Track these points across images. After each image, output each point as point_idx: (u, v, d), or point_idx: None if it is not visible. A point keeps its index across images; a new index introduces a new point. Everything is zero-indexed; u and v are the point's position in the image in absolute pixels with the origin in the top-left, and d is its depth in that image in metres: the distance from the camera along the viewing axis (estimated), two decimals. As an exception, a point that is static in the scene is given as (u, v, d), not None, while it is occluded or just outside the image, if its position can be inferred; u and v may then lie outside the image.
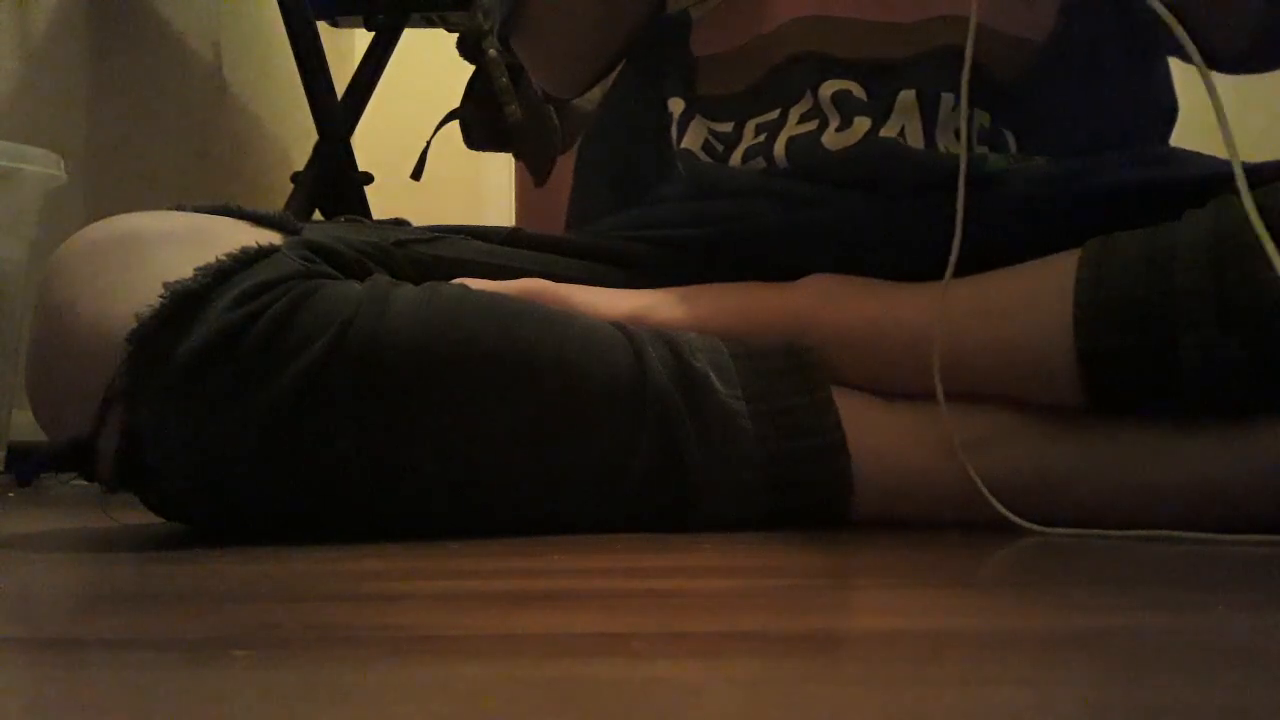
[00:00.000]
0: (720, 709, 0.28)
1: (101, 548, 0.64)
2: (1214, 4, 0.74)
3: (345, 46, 2.10)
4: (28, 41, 1.43)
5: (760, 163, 0.79)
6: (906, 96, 0.76)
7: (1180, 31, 0.52)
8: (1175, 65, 0.86)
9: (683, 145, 0.82)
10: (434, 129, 1.14)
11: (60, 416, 0.64)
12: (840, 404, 0.68)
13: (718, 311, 0.72)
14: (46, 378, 0.64)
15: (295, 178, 1.69)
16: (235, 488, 0.63)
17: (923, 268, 0.68)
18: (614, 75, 0.93)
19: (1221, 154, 0.75)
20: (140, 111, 1.66)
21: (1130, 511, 0.65)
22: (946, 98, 0.75)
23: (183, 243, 0.64)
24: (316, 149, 1.68)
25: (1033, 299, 0.68)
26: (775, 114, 0.79)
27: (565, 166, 1.03)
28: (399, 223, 0.76)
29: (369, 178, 1.73)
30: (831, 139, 0.76)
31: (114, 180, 1.57)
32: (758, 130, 0.79)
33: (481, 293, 0.67)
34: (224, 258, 0.63)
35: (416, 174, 1.15)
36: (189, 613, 0.43)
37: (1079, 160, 0.75)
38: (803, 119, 0.78)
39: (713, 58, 0.83)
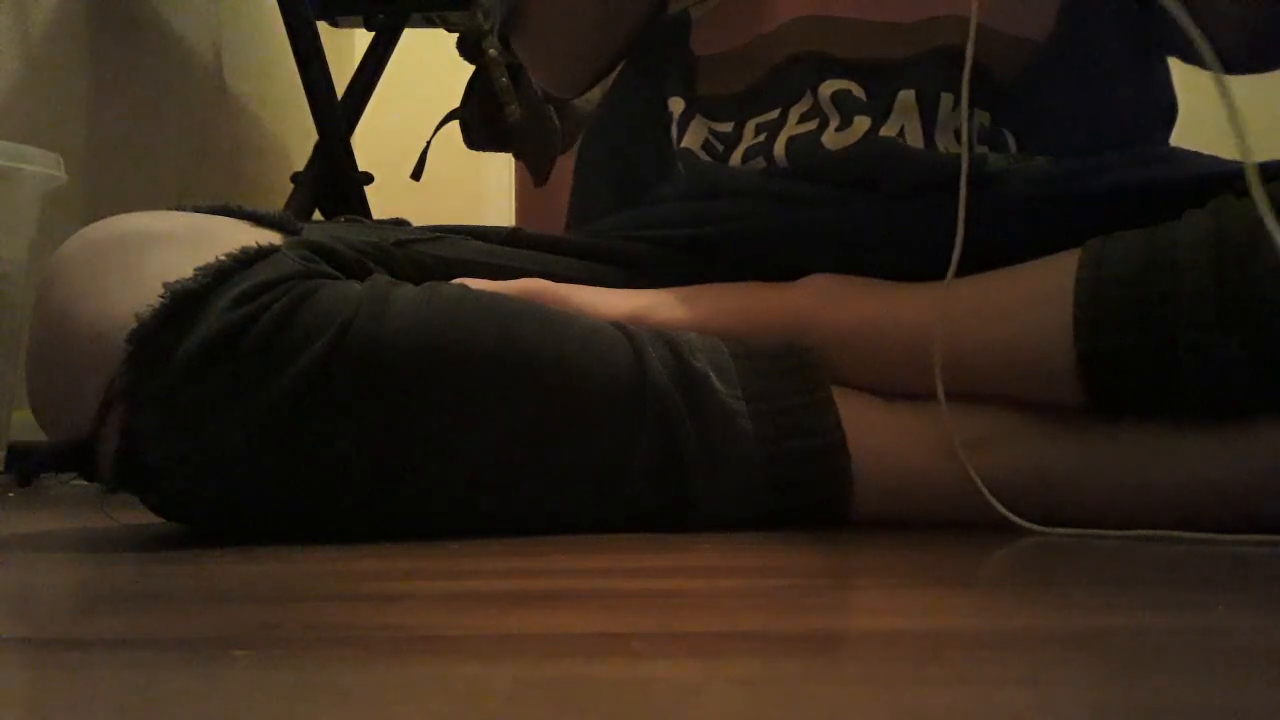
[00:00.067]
0: (720, 709, 0.28)
1: (101, 548, 0.64)
2: (1217, 5, 0.74)
3: (345, 46, 2.10)
4: (28, 41, 1.43)
5: (760, 162, 0.79)
6: (906, 96, 0.76)
7: (1197, 34, 0.52)
8: (1175, 65, 0.86)
9: (683, 145, 0.82)
10: (434, 129, 1.14)
11: (60, 416, 0.64)
12: (840, 404, 0.68)
13: (718, 311, 0.72)
14: (46, 378, 0.64)
15: (295, 178, 1.69)
16: (235, 488, 0.63)
17: (923, 268, 0.68)
18: (614, 75, 0.93)
19: (1221, 154, 0.75)
20: (140, 111, 1.66)
21: (1130, 511, 0.65)
22: (946, 97, 0.76)
23: (183, 243, 0.64)
24: (316, 149, 1.68)
25: (1033, 299, 0.68)
26: (775, 114, 0.79)
27: (565, 166, 1.03)
28: (399, 223, 0.76)
29: (369, 178, 1.73)
30: (831, 139, 0.76)
31: (114, 180, 1.57)
32: (758, 130, 0.80)
33: (481, 293, 0.67)
34: (224, 258, 0.63)
35: (416, 174, 1.16)
36: (189, 613, 0.43)
37: (1079, 160, 0.75)
38: (803, 119, 0.78)
39: (713, 57, 0.83)
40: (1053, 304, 0.67)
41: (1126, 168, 0.75)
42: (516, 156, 1.19)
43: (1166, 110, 0.87)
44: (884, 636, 0.38)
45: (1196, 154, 0.77)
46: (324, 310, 0.62)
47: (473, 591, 0.47)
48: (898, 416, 0.69)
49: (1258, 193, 0.50)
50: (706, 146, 0.81)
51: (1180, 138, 0.86)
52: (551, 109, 1.10)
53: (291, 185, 1.69)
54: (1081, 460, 0.67)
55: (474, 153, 1.21)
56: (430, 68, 1.69)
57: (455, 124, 1.16)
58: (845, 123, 0.76)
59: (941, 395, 0.66)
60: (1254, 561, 0.54)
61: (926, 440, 0.68)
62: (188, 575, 0.53)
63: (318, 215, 1.65)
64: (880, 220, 0.74)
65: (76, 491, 1.04)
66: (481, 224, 0.79)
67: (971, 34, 0.64)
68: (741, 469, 0.66)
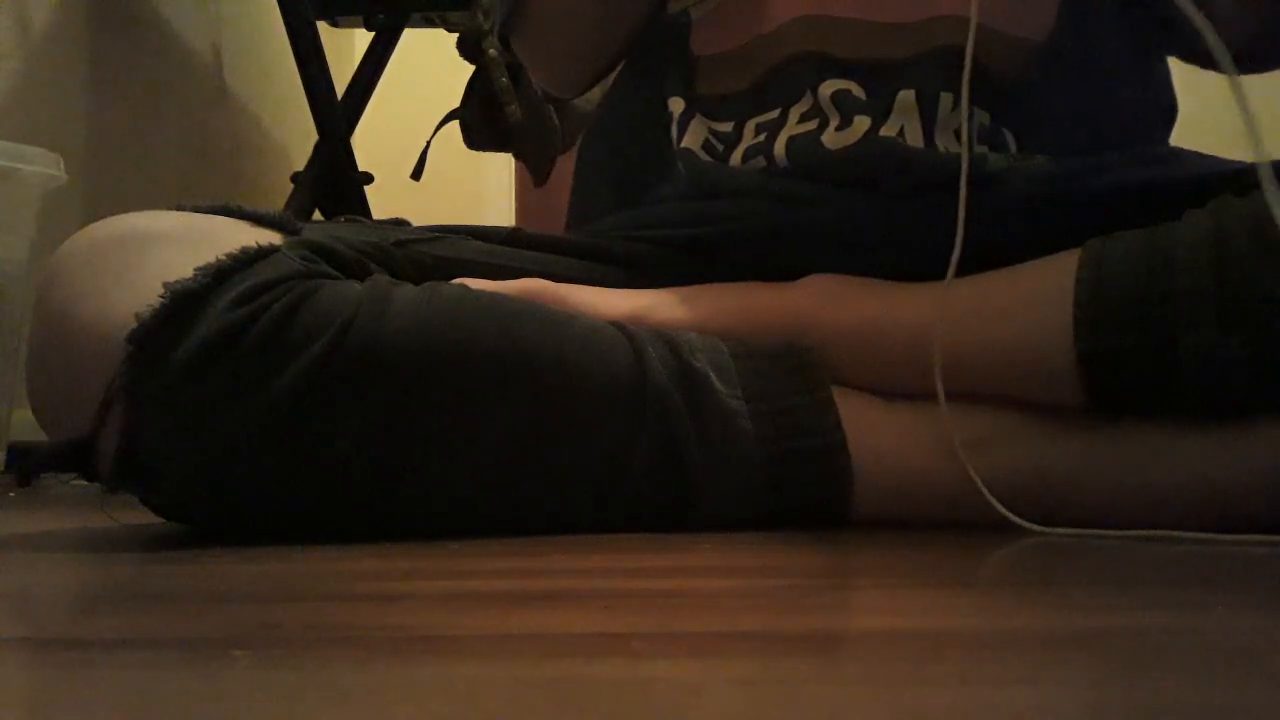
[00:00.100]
0: (720, 709, 0.28)
1: (101, 548, 0.64)
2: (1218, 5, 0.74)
3: (345, 46, 2.10)
4: (28, 41, 1.43)
5: (760, 162, 0.79)
6: (906, 96, 0.76)
7: (1212, 36, 0.51)
8: (1175, 65, 0.86)
9: (683, 145, 0.83)
10: (434, 129, 1.14)
11: (60, 416, 0.64)
12: (840, 404, 0.68)
13: (718, 311, 0.72)
14: (46, 377, 0.64)
15: (295, 178, 1.69)
16: (235, 488, 0.63)
17: (923, 268, 0.68)
18: (614, 75, 0.93)
19: (1221, 153, 0.75)
20: (140, 111, 1.66)
21: (1130, 511, 0.65)
22: (946, 97, 0.76)
23: (183, 243, 0.64)
24: (316, 149, 1.68)
25: (1033, 299, 0.68)
26: (775, 113, 0.79)
27: (565, 166, 1.03)
28: (399, 223, 0.76)
29: (369, 178, 1.73)
30: (831, 138, 0.76)
31: (114, 180, 1.57)
32: (758, 130, 0.80)
33: (481, 293, 0.67)
34: (224, 258, 0.63)
35: (416, 174, 1.16)
36: (189, 613, 0.43)
37: (1079, 160, 0.75)
38: (803, 118, 0.78)
39: (713, 57, 0.83)
40: (1053, 304, 0.67)
41: (1126, 168, 0.75)
42: (516, 156, 1.19)
43: (1166, 110, 0.87)
44: (884, 636, 0.38)
45: (1196, 154, 0.77)
46: (324, 310, 0.62)
47: (473, 591, 0.47)
48: (898, 416, 0.69)
49: (1270, 193, 0.49)
50: (706, 146, 0.81)
51: (1180, 138, 0.86)
52: (551, 109, 1.10)
53: (291, 185, 1.69)
54: (1081, 460, 0.67)
55: (474, 153, 1.21)
56: (430, 68, 1.69)
57: (455, 124, 1.16)
58: (845, 122, 0.76)
59: (941, 395, 0.66)
60: (1254, 561, 0.54)
61: (926, 440, 0.68)
62: (188, 575, 0.53)
63: (318, 215, 1.65)
64: (880, 220, 0.74)
65: (76, 491, 1.04)
66: (481, 224, 0.79)
67: (971, 34, 0.64)
68: (741, 469, 0.66)
